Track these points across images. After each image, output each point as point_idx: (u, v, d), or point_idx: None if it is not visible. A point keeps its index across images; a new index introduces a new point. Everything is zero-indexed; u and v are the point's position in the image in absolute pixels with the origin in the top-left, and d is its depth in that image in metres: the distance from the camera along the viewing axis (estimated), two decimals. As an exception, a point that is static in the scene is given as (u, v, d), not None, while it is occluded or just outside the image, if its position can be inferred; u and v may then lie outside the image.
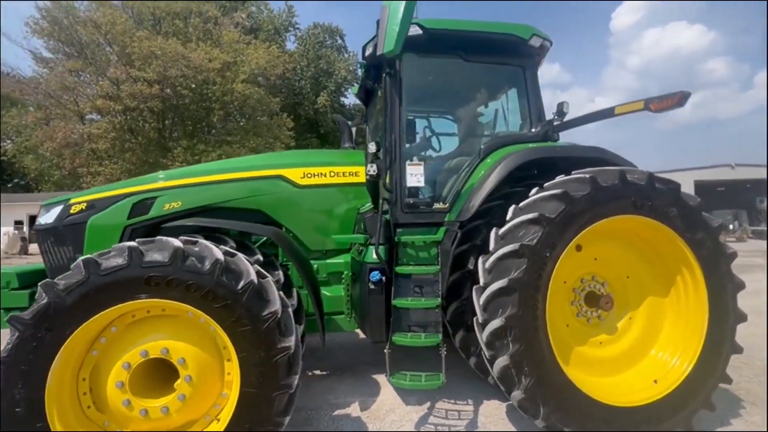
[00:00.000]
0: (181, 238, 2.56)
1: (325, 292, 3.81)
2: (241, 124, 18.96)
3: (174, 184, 3.80)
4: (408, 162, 3.75)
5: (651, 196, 3.05)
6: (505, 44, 3.89)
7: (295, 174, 4.07)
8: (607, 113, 3.43)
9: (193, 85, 14.42)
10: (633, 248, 3.40)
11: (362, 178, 3.79)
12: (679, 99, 2.87)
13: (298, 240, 4.03)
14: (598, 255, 3.39)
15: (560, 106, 3.96)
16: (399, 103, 3.76)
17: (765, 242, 20.55)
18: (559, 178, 3.09)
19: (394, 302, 3.30)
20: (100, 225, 3.57)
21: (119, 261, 2.28)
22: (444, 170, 4.00)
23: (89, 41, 14.20)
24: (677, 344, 3.25)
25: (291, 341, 2.47)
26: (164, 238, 2.52)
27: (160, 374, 2.43)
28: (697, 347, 3.14)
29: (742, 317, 3.20)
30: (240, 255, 2.63)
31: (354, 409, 3.66)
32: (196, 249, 2.45)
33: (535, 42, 3.93)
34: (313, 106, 26.79)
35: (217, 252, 2.45)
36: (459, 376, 3.99)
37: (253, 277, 2.44)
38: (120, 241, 3.52)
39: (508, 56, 3.98)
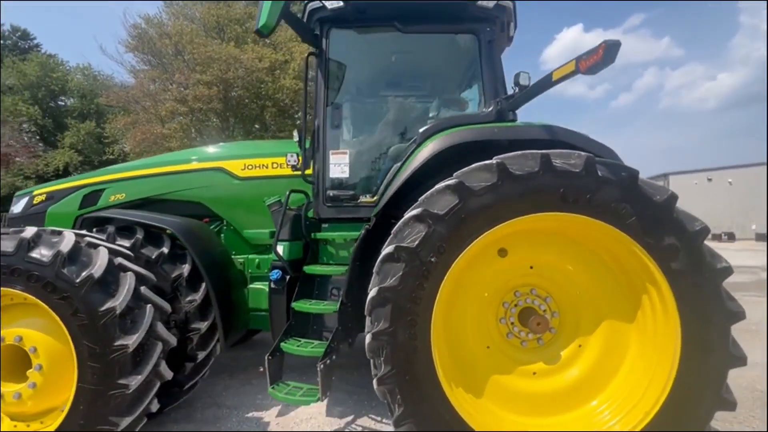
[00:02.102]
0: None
1: (263, 287, 3.65)
2: (296, 117, 19.77)
3: (120, 177, 3.97)
4: (332, 150, 3.39)
5: (589, 188, 2.29)
6: (449, 9, 3.28)
7: (235, 166, 3.97)
8: (546, 82, 2.68)
9: (248, 85, 15.48)
10: (585, 256, 2.63)
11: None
12: (604, 52, 2.07)
13: (238, 234, 3.94)
14: (535, 263, 2.68)
15: (517, 77, 3.22)
16: (324, 86, 3.42)
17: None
18: (471, 166, 2.48)
19: (292, 305, 3.02)
20: (56, 214, 3.87)
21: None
22: (377, 159, 3.54)
23: (165, 51, 16.08)
24: (638, 387, 2.44)
25: (131, 340, 2.35)
26: (62, 230, 2.58)
27: (22, 362, 2.50)
28: (660, 395, 2.31)
29: (738, 359, 2.27)
30: (102, 247, 2.59)
31: (270, 414, 3.47)
32: (49, 239, 2.45)
33: (487, 2, 3.25)
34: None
35: (66, 243, 2.43)
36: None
37: (96, 270, 2.37)
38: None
39: (454, 23, 3.36)
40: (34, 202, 3.96)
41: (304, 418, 3.40)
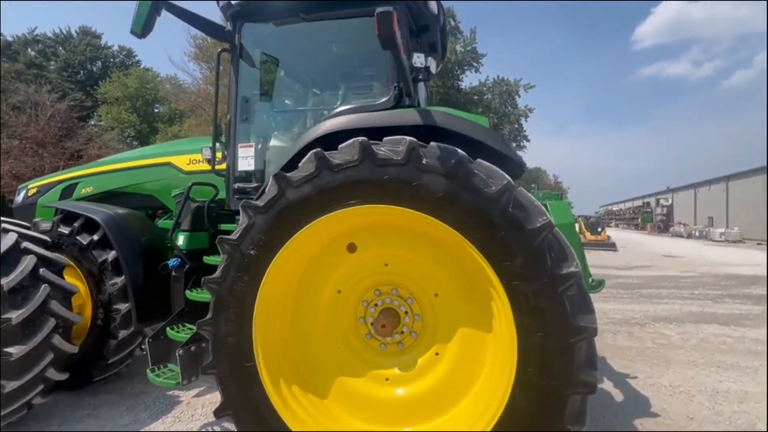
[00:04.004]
0: None
1: None
2: None
3: (91, 172, 4.49)
4: (240, 144, 3.46)
5: (412, 178, 2.04)
6: (346, -9, 3.13)
7: (181, 161, 4.24)
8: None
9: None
10: (438, 255, 2.34)
11: None
12: (377, 24, 1.78)
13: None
14: (390, 260, 2.47)
15: (414, 60, 2.98)
16: (236, 81, 3.49)
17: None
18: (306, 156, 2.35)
19: (186, 293, 3.16)
20: (43, 205, 4.51)
21: None
22: (283, 151, 3.51)
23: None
24: (488, 409, 2.12)
25: (16, 314, 2.67)
26: None
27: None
28: (490, 420, 2.00)
29: (585, 386, 1.86)
30: (12, 232, 2.96)
31: (187, 395, 3.68)
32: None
33: (385, -19, 3.03)
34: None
35: None
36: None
37: (-4, 252, 2.74)
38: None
39: (356, 6, 3.19)
40: (29, 194, 4.66)
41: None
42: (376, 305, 2.52)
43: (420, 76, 3.08)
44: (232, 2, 3.31)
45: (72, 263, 3.64)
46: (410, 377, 2.44)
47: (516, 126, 32.13)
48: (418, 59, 2.98)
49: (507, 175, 2.03)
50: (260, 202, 2.25)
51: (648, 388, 4.07)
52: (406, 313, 2.47)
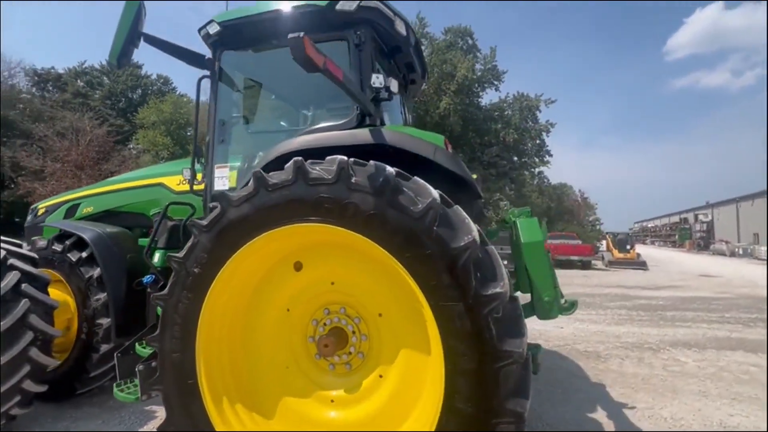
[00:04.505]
0: None
1: None
2: None
3: (92, 192, 4.77)
4: (216, 164, 3.60)
5: (341, 197, 2.05)
6: (311, 19, 3.25)
7: (172, 181, 4.44)
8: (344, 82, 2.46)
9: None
10: (380, 275, 2.31)
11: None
12: (290, 46, 1.82)
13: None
14: (336, 278, 2.46)
15: (372, 80, 3.03)
16: (214, 104, 3.66)
17: None
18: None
19: (158, 309, 3.25)
20: (40, 224, 4.82)
21: None
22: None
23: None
24: (423, 433, 2.04)
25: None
26: None
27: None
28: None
29: (514, 416, 1.75)
30: (1, 250, 3.17)
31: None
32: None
33: (347, 5, 3.13)
34: (436, 111, 26.70)
35: None
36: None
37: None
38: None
39: (323, 31, 3.30)
40: (38, 214, 5.00)
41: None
42: (324, 324, 2.50)
43: (381, 96, 3.11)
44: (211, 32, 3.50)
45: (63, 279, 3.84)
46: (354, 399, 2.38)
47: (538, 141, 31.71)
48: (377, 79, 3.03)
49: (436, 193, 2.00)
50: (204, 221, 2.32)
51: (644, 420, 3.76)
52: (353, 332, 2.44)
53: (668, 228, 57.11)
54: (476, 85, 29.61)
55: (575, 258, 20.96)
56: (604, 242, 27.63)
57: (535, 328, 7.37)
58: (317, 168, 2.15)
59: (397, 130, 2.80)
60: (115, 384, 3.02)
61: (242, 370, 2.51)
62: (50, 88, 32.72)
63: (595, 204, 50.37)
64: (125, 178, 4.80)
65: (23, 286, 3.12)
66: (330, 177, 2.07)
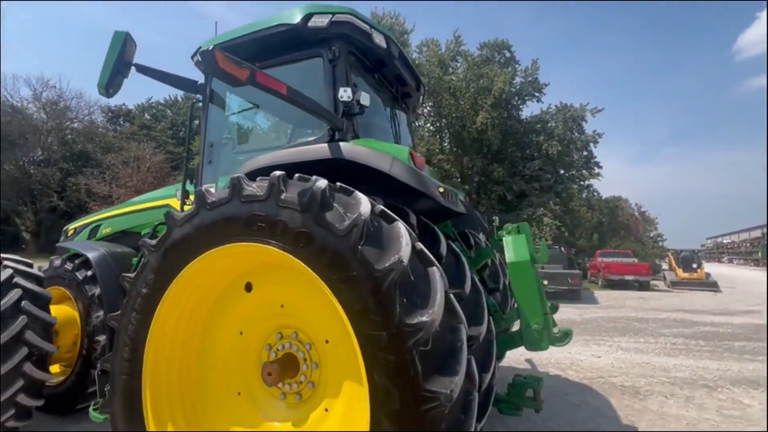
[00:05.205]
0: None
1: None
2: None
3: (111, 214, 5.09)
4: (205, 185, 3.67)
5: (271, 215, 1.93)
6: (287, 38, 3.26)
7: (176, 203, 4.63)
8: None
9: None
10: (323, 297, 2.13)
11: None
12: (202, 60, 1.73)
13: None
14: (285, 300, 2.32)
15: (340, 94, 2.94)
16: (205, 127, 3.77)
17: None
18: None
19: None
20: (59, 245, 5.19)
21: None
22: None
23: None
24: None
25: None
26: None
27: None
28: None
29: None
30: (8, 268, 3.41)
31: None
32: (-23, 262, 3.40)
33: (319, 22, 3.11)
34: (474, 126, 26.19)
35: None
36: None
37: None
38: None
39: (297, 49, 3.30)
40: (68, 234, 5.41)
41: None
42: (277, 350, 2.36)
43: (352, 110, 3.01)
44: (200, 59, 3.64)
45: (71, 296, 4.07)
46: (300, 434, 2.19)
47: (585, 153, 29.87)
48: (345, 93, 2.93)
49: (367, 207, 1.82)
50: (153, 241, 2.31)
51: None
52: (304, 360, 2.28)
53: (748, 244, 50.58)
54: (516, 98, 28.82)
55: (630, 278, 19.06)
56: (665, 261, 25.02)
57: (568, 357, 6.68)
58: (253, 185, 2.06)
59: (361, 144, 2.67)
60: (93, 402, 3.07)
61: (194, 394, 2.42)
62: (121, 122, 36.68)
63: (655, 218, 46.17)
64: (139, 200, 5.08)
65: (23, 303, 3.31)
66: (262, 194, 1.97)
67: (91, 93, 32.93)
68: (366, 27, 3.24)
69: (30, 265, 3.76)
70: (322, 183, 1.93)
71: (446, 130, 28.25)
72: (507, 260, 2.77)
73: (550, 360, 6.47)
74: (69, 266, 4.13)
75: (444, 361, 1.59)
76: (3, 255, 3.62)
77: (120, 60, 3.23)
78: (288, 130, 3.65)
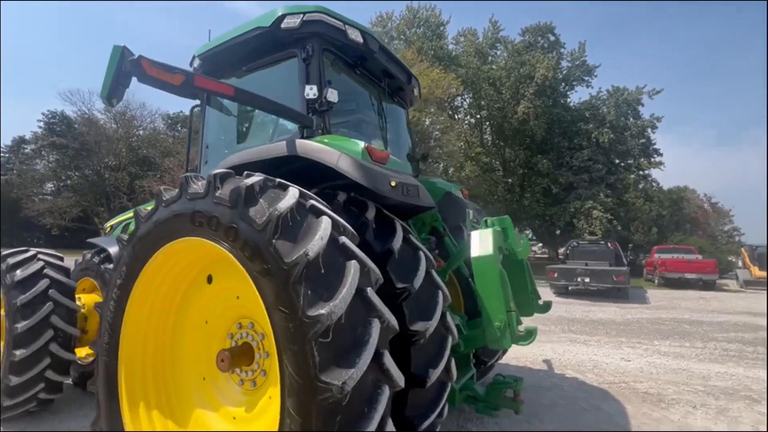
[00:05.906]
0: None
1: None
2: (437, 151, 20.62)
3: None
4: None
5: (208, 210, 2.05)
6: (263, 41, 3.39)
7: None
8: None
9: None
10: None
11: None
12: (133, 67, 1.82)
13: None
14: (240, 292, 2.43)
15: (306, 92, 3.01)
16: (202, 130, 4.03)
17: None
18: None
19: None
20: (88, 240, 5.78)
21: None
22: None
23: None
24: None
25: (21, 324, 3.49)
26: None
27: None
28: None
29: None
30: (39, 260, 3.90)
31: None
32: (15, 255, 3.92)
33: (291, 23, 3.20)
34: (515, 117, 25.08)
35: (21, 258, 3.84)
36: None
37: (19, 275, 3.66)
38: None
39: (274, 51, 3.42)
40: (107, 231, 6.03)
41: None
42: (237, 339, 2.50)
43: (319, 107, 3.06)
44: (195, 66, 3.88)
45: (99, 287, 4.55)
46: (248, 420, 2.31)
47: (641, 140, 27.44)
48: (310, 91, 2.99)
49: (286, 201, 1.87)
50: (125, 236, 2.53)
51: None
52: (258, 349, 2.39)
53: None
54: (562, 84, 27.07)
55: (692, 276, 17.26)
56: (739, 258, 22.33)
57: (593, 359, 6.27)
58: (198, 183, 2.19)
59: (316, 140, 2.72)
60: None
61: (167, 378, 2.63)
62: (179, 128, 39.76)
63: (729, 210, 41.12)
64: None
65: (50, 291, 3.78)
66: (202, 191, 2.09)
67: (152, 102, 36.07)
68: (339, 24, 3.27)
69: (61, 259, 4.26)
70: (253, 179, 2.01)
71: (486, 122, 27.33)
72: (471, 255, 2.68)
73: (571, 362, 6.11)
74: (96, 260, 4.61)
75: (345, 353, 1.60)
76: (39, 250, 4.14)
77: (119, 72, 3.54)
78: (271, 129, 3.79)
